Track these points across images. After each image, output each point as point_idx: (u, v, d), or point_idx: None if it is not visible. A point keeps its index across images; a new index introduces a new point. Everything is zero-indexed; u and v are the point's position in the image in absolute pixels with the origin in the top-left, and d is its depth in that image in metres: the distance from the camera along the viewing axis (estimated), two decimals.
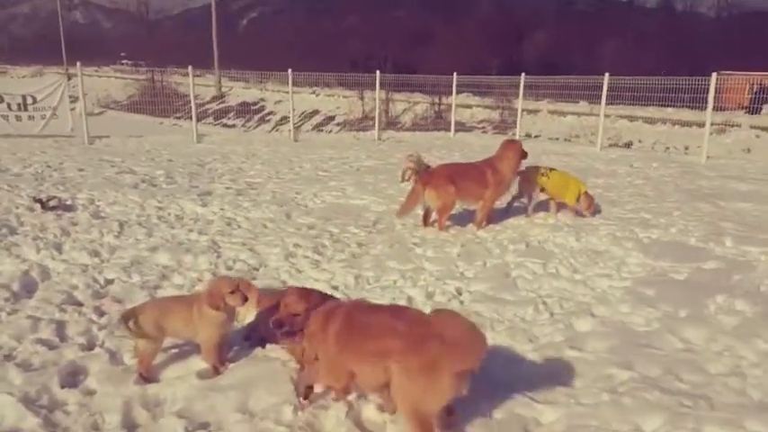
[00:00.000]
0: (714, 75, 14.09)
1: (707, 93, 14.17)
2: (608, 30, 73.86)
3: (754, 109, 24.25)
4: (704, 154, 13.79)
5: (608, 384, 3.22)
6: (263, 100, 37.69)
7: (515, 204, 7.51)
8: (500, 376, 3.30)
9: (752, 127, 20.60)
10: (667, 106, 19.22)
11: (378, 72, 18.58)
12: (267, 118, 36.05)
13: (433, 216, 6.73)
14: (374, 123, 19.54)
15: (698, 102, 15.24)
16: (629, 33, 72.70)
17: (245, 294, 3.29)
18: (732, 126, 20.93)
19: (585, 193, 7.19)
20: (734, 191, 9.27)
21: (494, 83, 22.89)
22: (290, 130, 17.98)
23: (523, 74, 17.90)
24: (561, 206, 7.29)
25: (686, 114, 19.79)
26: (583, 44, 68.20)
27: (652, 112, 21.59)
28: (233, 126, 32.23)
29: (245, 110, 34.78)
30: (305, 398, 2.99)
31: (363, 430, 2.85)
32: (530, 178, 7.19)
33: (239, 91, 37.58)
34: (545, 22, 78.03)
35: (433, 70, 25.47)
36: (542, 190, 7.23)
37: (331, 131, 27.83)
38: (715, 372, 3.39)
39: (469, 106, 26.15)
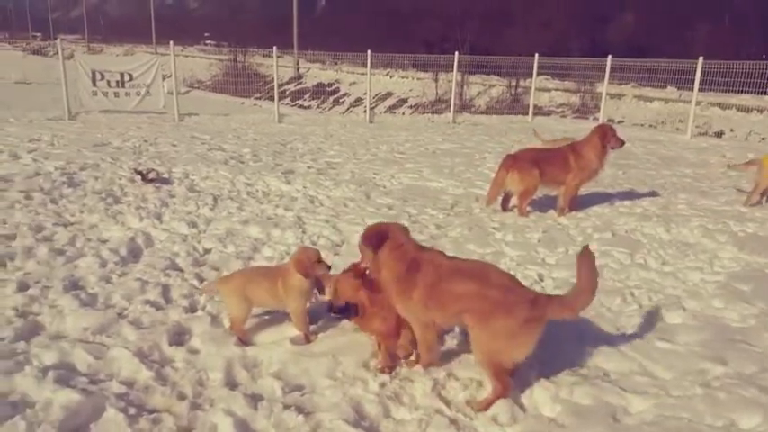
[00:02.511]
0: None
1: None
2: (701, 10, 69.38)
3: None
4: None
5: (700, 378, 3.15)
6: (337, 81, 38.20)
7: (599, 190, 7.35)
8: (588, 364, 3.31)
9: None
10: (765, 94, 17.94)
11: (456, 54, 18.38)
12: (341, 99, 36.55)
13: (513, 201, 6.69)
14: (448, 106, 19.40)
15: None
16: (726, 14, 68.00)
17: (328, 264, 3.46)
18: None
19: None
20: None
21: (575, 65, 22.08)
22: (365, 112, 18.16)
23: (609, 56, 17.21)
24: None
25: None
26: (672, 26, 64.43)
27: (747, 99, 20.22)
28: (308, 107, 32.93)
29: (321, 91, 35.37)
30: (389, 370, 3.12)
31: (447, 403, 2.94)
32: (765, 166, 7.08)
33: (315, 72, 38.24)
34: (632, 1, 74.16)
35: (510, 52, 24.90)
36: None
37: (404, 114, 27.85)
38: None
39: (548, 90, 25.46)
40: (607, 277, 4.72)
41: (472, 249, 5.30)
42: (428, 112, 22.73)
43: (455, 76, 18.94)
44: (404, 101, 33.04)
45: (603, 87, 17.85)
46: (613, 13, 68.55)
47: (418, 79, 30.94)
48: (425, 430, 2.71)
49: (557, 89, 25.69)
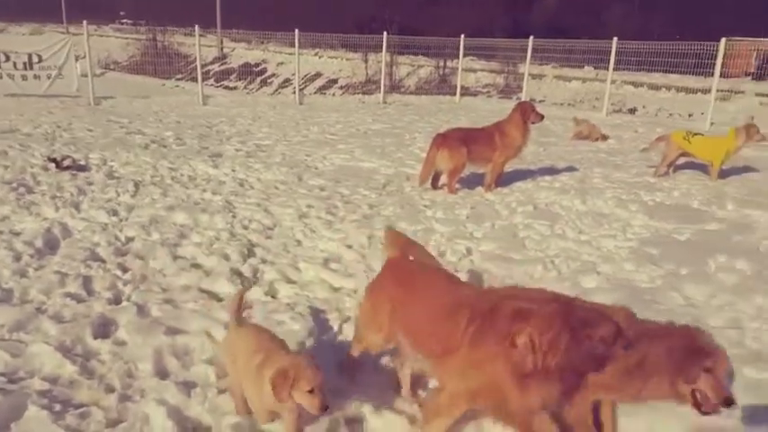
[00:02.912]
0: (723, 40, 13.97)
1: (714, 59, 14.08)
2: None
3: (759, 75, 24.00)
4: (708, 120, 13.79)
5: None
6: (264, 61, 37.27)
7: (522, 167, 7.63)
8: None
9: (757, 94, 20.45)
10: (672, 73, 19.06)
11: (385, 34, 18.38)
12: (269, 80, 35.71)
13: (443, 180, 6.85)
14: (378, 87, 19.45)
15: (703, 68, 15.13)
16: None
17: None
18: (737, 93, 20.78)
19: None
20: (737, 156, 9.32)
21: (499, 46, 22.57)
22: (294, 93, 17.92)
23: (531, 37, 17.73)
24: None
25: (691, 81, 19.64)
26: (590, 7, 66.91)
27: (657, 78, 21.41)
28: (235, 88, 31.98)
29: (248, 71, 34.38)
30: None
31: None
32: (671, 141, 7.77)
33: (241, 52, 37.15)
34: None
35: (438, 32, 25.11)
36: (683, 153, 7.76)
37: (334, 94, 27.63)
38: (715, 325, 3.55)
39: (474, 70, 25.91)
40: (530, 248, 4.95)
41: (404, 227, 5.39)
42: (358, 93, 22.69)
43: (384, 56, 18.98)
44: (334, 81, 32.71)
45: (525, 68, 18.41)
46: None
47: (348, 59, 30.71)
48: None
49: (482, 70, 26.20)
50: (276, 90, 32.41)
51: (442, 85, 23.67)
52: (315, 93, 27.90)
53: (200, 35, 16.46)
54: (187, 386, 2.83)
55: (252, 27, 37.29)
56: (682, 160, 8.02)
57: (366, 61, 26.89)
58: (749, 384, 2.95)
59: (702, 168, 8.01)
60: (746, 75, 24.79)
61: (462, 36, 18.89)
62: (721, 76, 15.41)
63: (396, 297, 2.64)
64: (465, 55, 20.50)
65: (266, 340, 2.53)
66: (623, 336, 2.06)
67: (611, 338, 2.03)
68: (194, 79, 16.46)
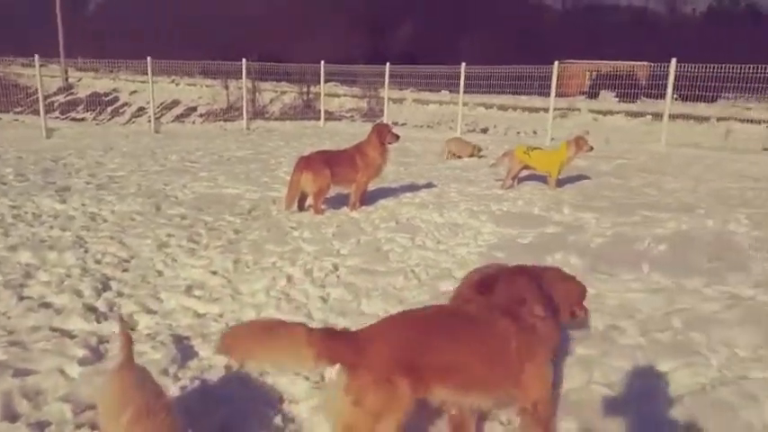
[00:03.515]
0: (556, 63, 15.66)
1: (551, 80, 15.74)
2: (467, 22, 78.24)
3: (592, 94, 27.14)
4: (549, 136, 15.34)
5: None
6: (116, 90, 35.32)
7: (385, 185, 8.00)
8: None
9: (590, 111, 23.08)
10: (520, 94, 20.97)
11: (244, 60, 18.29)
12: (122, 110, 33.86)
13: (309, 201, 6.98)
14: (241, 113, 19.26)
15: (546, 89, 16.81)
16: (487, 25, 77.56)
17: None
18: (573, 110, 23.30)
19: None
20: (572, 166, 10.46)
21: (360, 72, 23.39)
22: (149, 122, 17.18)
23: (388, 63, 18.60)
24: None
25: (536, 101, 21.71)
26: (443, 35, 71.61)
27: (505, 99, 23.39)
28: (83, 119, 29.89)
29: (97, 101, 32.32)
30: None
31: None
32: (514, 156, 8.50)
33: (89, 81, 34.85)
34: (409, 12, 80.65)
35: (298, 59, 25.45)
36: (526, 166, 8.55)
37: (194, 122, 26.83)
38: None
39: (338, 95, 26.51)
40: (392, 260, 5.22)
41: (271, 249, 5.45)
42: (221, 120, 22.23)
43: (245, 82, 18.87)
44: (193, 109, 31.73)
45: (385, 93, 19.25)
46: (393, 25, 73.76)
47: (207, 86, 30.03)
48: None
49: (345, 95, 26.89)
50: (130, 119, 30.78)
51: (307, 111, 23.95)
52: (173, 121, 26.88)
53: (41, 65, 15.27)
54: (40, 426, 2.66)
55: (99, 55, 35.14)
56: (525, 173, 8.86)
57: (227, 88, 26.47)
58: (579, 360, 3.38)
59: (543, 179, 8.90)
60: (582, 93, 27.92)
61: (322, 62, 19.33)
62: (560, 95, 17.26)
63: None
64: (328, 81, 21.00)
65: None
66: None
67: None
68: (36, 112, 15.17)
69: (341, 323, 3.90)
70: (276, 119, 22.68)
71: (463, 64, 17.00)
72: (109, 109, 33.07)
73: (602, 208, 7.30)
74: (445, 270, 4.95)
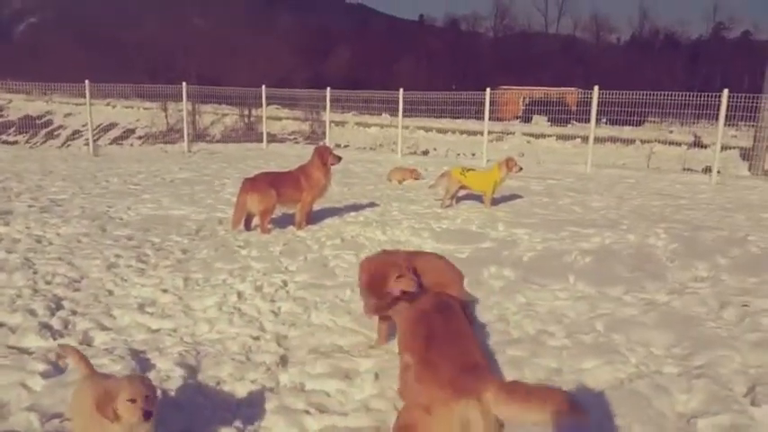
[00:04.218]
0: (488, 90, 16.47)
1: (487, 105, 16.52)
2: (403, 47, 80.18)
3: (526, 118, 28.46)
4: (485, 158, 16.05)
5: None
6: (50, 113, 34.20)
7: (329, 205, 8.28)
8: (325, 342, 3.93)
9: (524, 134, 24.19)
10: (457, 118, 21.79)
11: (184, 84, 18.24)
12: (56, 132, 32.80)
13: (255, 221, 7.16)
14: (181, 136, 19.14)
15: (481, 113, 17.57)
16: (422, 50, 79.70)
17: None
18: (508, 134, 24.36)
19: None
20: (506, 186, 11.06)
21: (301, 96, 23.66)
22: (87, 145, 16.81)
23: (329, 88, 18.99)
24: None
25: (472, 125, 22.59)
26: (381, 61, 73.08)
27: (444, 123, 24.22)
28: (15, 142, 28.72)
29: (30, 124, 31.15)
30: None
31: None
32: (452, 177, 8.96)
33: (20, 104, 33.53)
34: (346, 39, 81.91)
35: (239, 83, 25.50)
36: (462, 186, 9.00)
37: (132, 144, 26.33)
38: (486, 320, 4.39)
39: (279, 118, 26.66)
40: (339, 275, 5.48)
41: (221, 267, 5.60)
42: (160, 143, 21.95)
43: (185, 105, 18.79)
44: (131, 131, 31.12)
45: (326, 116, 19.60)
46: (330, 51, 74.67)
47: (145, 109, 29.56)
48: None
49: (287, 118, 27.08)
50: (65, 142, 29.87)
51: (250, 133, 23.97)
52: (110, 143, 26.27)
53: None
54: None
55: (30, 77, 33.88)
56: (462, 192, 9.34)
57: (165, 110, 26.17)
58: (511, 360, 3.74)
59: (479, 198, 9.40)
60: (516, 118, 29.21)
61: (263, 86, 19.52)
62: (496, 119, 18.10)
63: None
64: (269, 104, 21.15)
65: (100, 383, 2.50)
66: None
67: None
68: None
69: (292, 334, 4.13)
70: (217, 141, 22.60)
71: (401, 90, 17.60)
72: (43, 131, 31.93)
73: (533, 224, 7.83)
74: None
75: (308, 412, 3.08)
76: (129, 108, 32.11)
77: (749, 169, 16.12)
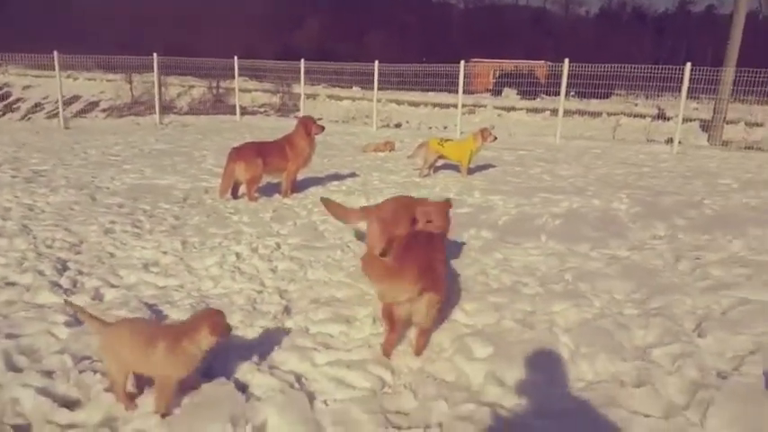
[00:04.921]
0: (462, 62, 16.76)
1: (458, 78, 16.81)
2: (374, 19, 79.45)
3: (496, 92, 28.89)
4: (458, 130, 16.44)
5: None
6: (7, 85, 33.28)
7: (312, 175, 8.57)
8: (323, 294, 4.30)
9: (495, 107, 24.65)
10: (429, 91, 22.05)
11: (155, 55, 18.04)
12: (15, 105, 31.96)
13: (242, 189, 7.41)
14: (147, 108, 19.06)
15: (453, 86, 17.82)
16: (393, 22, 79.16)
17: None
18: (480, 107, 24.78)
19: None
20: (481, 157, 11.47)
21: (271, 68, 23.45)
22: (54, 117, 16.60)
23: (302, 60, 19.00)
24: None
25: (444, 98, 22.92)
26: (352, 33, 72.38)
27: (416, 96, 24.49)
28: None
29: None
30: None
31: None
32: (429, 147, 9.39)
33: None
34: (316, 10, 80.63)
35: (206, 54, 25.15)
36: (440, 156, 9.41)
37: (96, 117, 25.89)
38: (469, 274, 4.82)
39: (249, 90, 26.51)
40: (329, 237, 5.84)
41: (215, 232, 5.88)
42: (127, 115, 21.69)
43: (157, 77, 18.59)
44: (95, 104, 30.49)
45: (301, 89, 19.63)
46: (299, 22, 73.40)
47: (108, 81, 29.04)
48: None
49: (257, 90, 26.92)
50: (26, 115, 29.14)
51: (218, 105, 23.84)
52: (74, 116, 25.77)
53: None
54: (46, 373, 3.05)
55: None
56: (440, 162, 9.72)
57: (131, 83, 25.78)
58: (492, 306, 4.17)
59: (456, 168, 9.80)
60: (487, 91, 29.60)
61: (236, 57, 19.41)
62: (467, 92, 18.41)
63: None
64: (239, 76, 20.98)
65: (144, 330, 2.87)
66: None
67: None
68: None
69: (291, 288, 4.48)
70: (185, 113, 22.40)
71: (376, 62, 17.73)
72: (0, 104, 31.04)
73: (507, 191, 8.27)
74: None
75: (315, 349, 3.47)
76: (92, 80, 31.43)
77: (708, 140, 16.91)
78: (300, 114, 19.33)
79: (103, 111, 28.87)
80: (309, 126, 7.67)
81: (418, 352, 3.49)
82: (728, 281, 4.74)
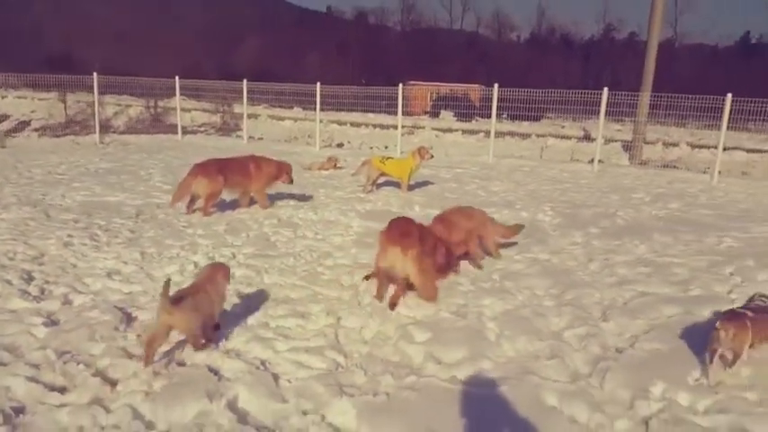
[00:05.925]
0: (401, 85, 17.57)
1: (398, 100, 17.58)
2: (312, 39, 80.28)
3: (434, 114, 30.02)
4: (398, 150, 17.17)
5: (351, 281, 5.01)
6: None
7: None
8: (278, 295, 4.77)
9: (433, 129, 25.64)
10: (369, 112, 22.75)
11: (95, 74, 17.95)
12: None
13: (198, 204, 7.73)
14: (83, 128, 18.99)
15: (393, 107, 18.51)
16: (331, 43, 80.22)
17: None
18: (418, 128, 25.71)
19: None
20: (420, 174, 12.16)
21: (213, 87, 23.57)
22: None
23: (245, 80, 19.33)
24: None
25: (384, 119, 23.69)
26: (290, 52, 72.89)
27: (356, 116, 25.17)
28: None
29: None
30: None
31: None
32: (372, 165, 10.00)
33: None
34: (255, 30, 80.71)
35: (144, 73, 24.99)
36: (382, 173, 10.03)
37: (29, 136, 25.15)
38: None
39: (188, 110, 26.39)
40: (280, 247, 6.30)
41: (171, 243, 6.21)
42: (63, 134, 21.28)
43: (96, 95, 18.46)
44: (26, 123, 29.52)
45: (243, 108, 19.89)
46: (237, 42, 73.20)
47: (41, 99, 28.25)
48: None
49: (196, 109, 26.84)
50: None
51: (157, 125, 23.66)
52: (6, 135, 24.93)
53: None
54: (33, 365, 3.38)
55: None
56: (382, 179, 10.33)
57: (64, 102, 25.25)
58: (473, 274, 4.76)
59: (397, 185, 10.43)
60: (425, 113, 30.71)
61: (177, 77, 19.53)
62: (406, 114, 19.15)
63: None
64: (175, 95, 21.01)
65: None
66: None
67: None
68: None
69: (250, 292, 4.92)
70: (123, 132, 22.15)
71: (318, 84, 18.29)
72: None
73: (444, 206, 8.91)
74: (325, 252, 6.14)
75: (276, 339, 3.94)
76: (21, 99, 30.48)
77: (629, 159, 18.37)
78: (243, 135, 19.64)
79: (35, 130, 27.95)
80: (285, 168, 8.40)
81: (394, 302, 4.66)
82: (632, 278, 5.54)
